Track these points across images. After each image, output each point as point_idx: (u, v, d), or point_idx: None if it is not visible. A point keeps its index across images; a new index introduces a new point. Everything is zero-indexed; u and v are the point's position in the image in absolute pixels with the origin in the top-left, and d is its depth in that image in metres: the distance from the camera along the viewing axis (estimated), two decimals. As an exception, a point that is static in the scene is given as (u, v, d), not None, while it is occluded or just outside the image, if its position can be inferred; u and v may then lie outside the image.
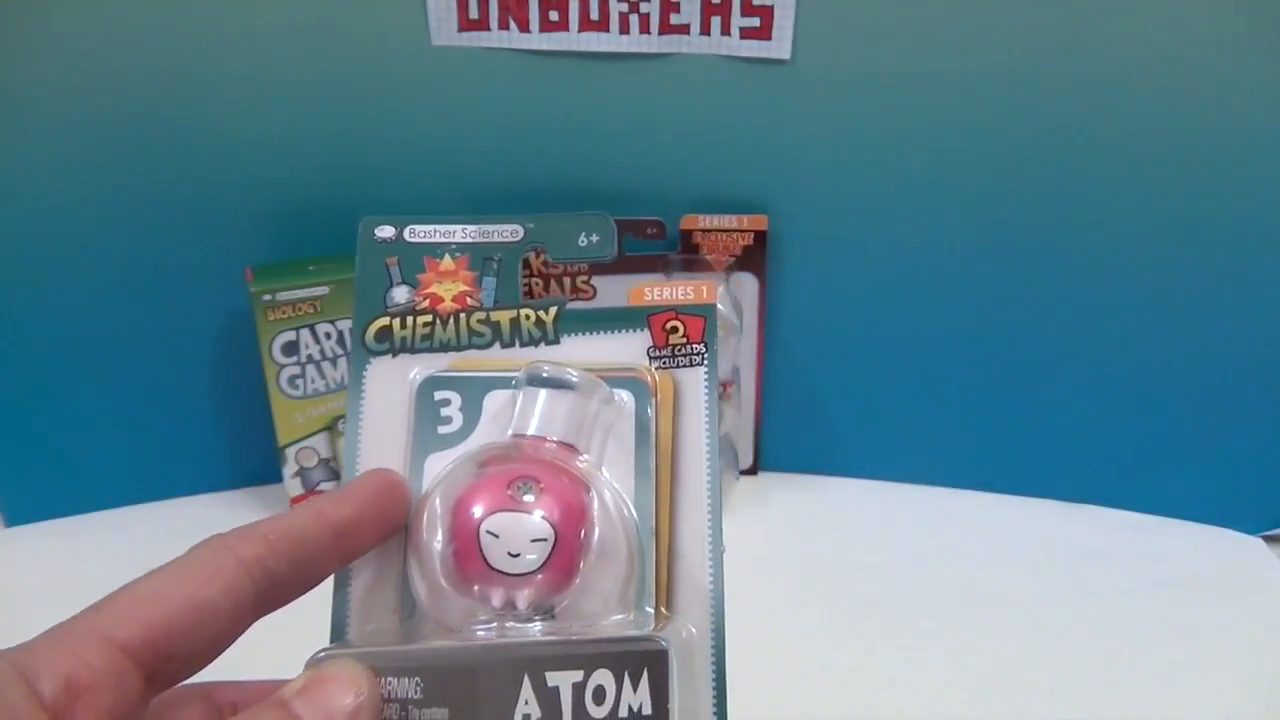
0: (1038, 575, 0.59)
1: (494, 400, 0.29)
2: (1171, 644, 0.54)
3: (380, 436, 0.29)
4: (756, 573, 0.57)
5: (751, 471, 0.68)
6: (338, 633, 0.27)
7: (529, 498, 0.26)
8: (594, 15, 0.56)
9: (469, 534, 0.26)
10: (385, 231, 0.31)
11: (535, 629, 0.26)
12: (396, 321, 0.30)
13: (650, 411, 0.29)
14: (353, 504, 0.26)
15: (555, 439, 0.28)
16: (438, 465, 0.28)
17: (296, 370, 0.60)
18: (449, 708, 0.23)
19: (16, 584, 0.59)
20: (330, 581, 0.27)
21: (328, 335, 0.60)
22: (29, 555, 0.62)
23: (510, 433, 0.28)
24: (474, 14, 0.56)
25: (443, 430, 0.29)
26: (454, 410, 0.29)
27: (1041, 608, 0.56)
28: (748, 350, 0.64)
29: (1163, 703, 0.50)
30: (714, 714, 0.26)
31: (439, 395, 0.29)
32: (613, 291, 0.60)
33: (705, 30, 0.56)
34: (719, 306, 0.35)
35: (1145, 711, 0.49)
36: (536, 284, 0.60)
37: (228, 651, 0.23)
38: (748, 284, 0.62)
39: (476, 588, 0.26)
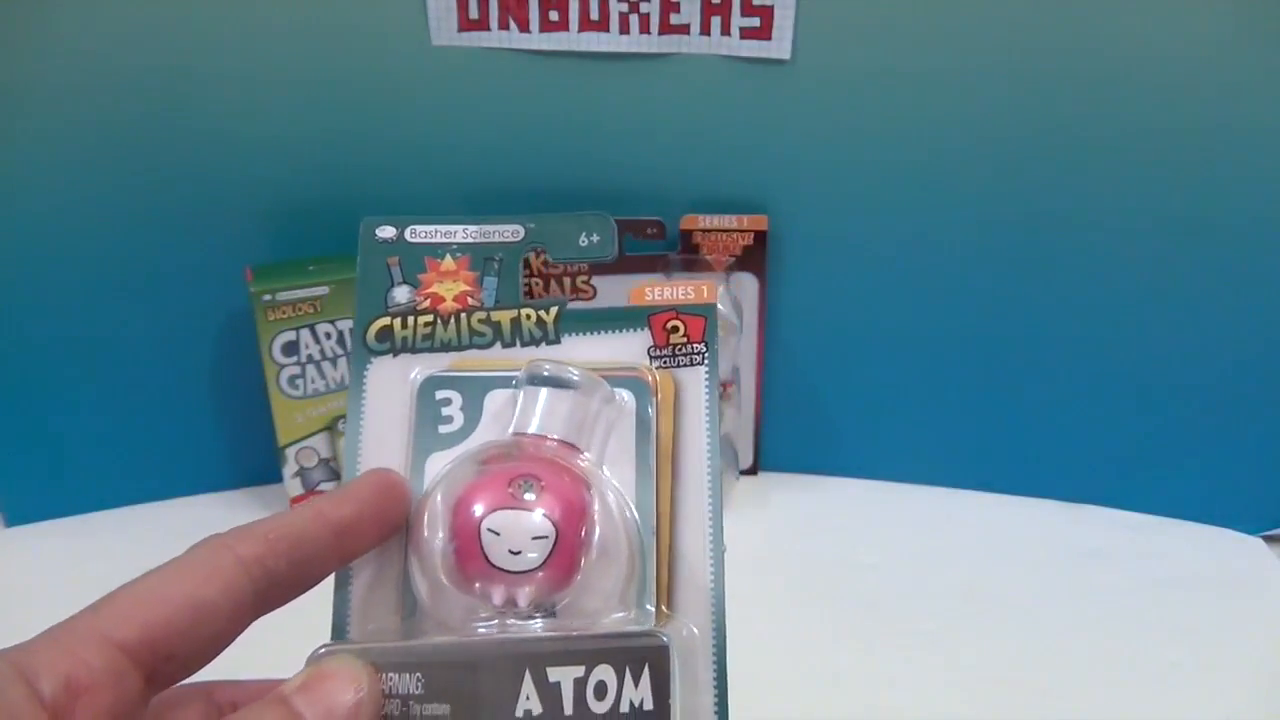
0: (1038, 575, 0.59)
1: (495, 400, 0.29)
2: (1171, 644, 0.54)
3: (381, 436, 0.29)
4: (756, 573, 0.57)
5: (751, 471, 0.68)
6: (339, 632, 0.27)
7: (530, 496, 0.26)
8: (594, 15, 0.56)
9: (470, 532, 0.26)
10: (386, 232, 0.31)
11: (536, 627, 0.26)
12: (398, 321, 0.30)
13: (651, 411, 0.29)
14: (352, 503, 0.26)
15: (556, 437, 0.28)
16: (439, 464, 0.28)
17: (296, 370, 0.60)
18: (450, 703, 0.23)
19: (16, 584, 0.59)
20: (330, 581, 0.27)
21: (328, 335, 0.60)
22: (29, 555, 0.62)
23: (511, 431, 0.28)
24: (474, 14, 0.56)
25: (444, 430, 0.29)
26: (455, 410, 0.29)
27: (1041, 608, 0.56)
28: (748, 350, 0.64)
29: (1163, 703, 0.50)
30: (715, 714, 0.26)
31: (440, 395, 0.29)
32: (612, 291, 0.60)
33: (705, 30, 0.56)
34: (719, 306, 0.35)
35: (1145, 711, 0.49)
36: (536, 284, 0.60)
37: (228, 651, 0.23)
38: (748, 284, 0.62)
39: (478, 585, 0.26)
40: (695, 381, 0.29)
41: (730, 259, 0.61)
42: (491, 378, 0.29)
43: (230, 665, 0.24)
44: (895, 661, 0.52)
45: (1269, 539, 0.63)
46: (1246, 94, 0.53)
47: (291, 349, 0.59)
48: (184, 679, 0.23)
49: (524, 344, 0.30)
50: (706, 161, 0.60)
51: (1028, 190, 0.57)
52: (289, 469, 0.62)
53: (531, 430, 0.28)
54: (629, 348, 0.30)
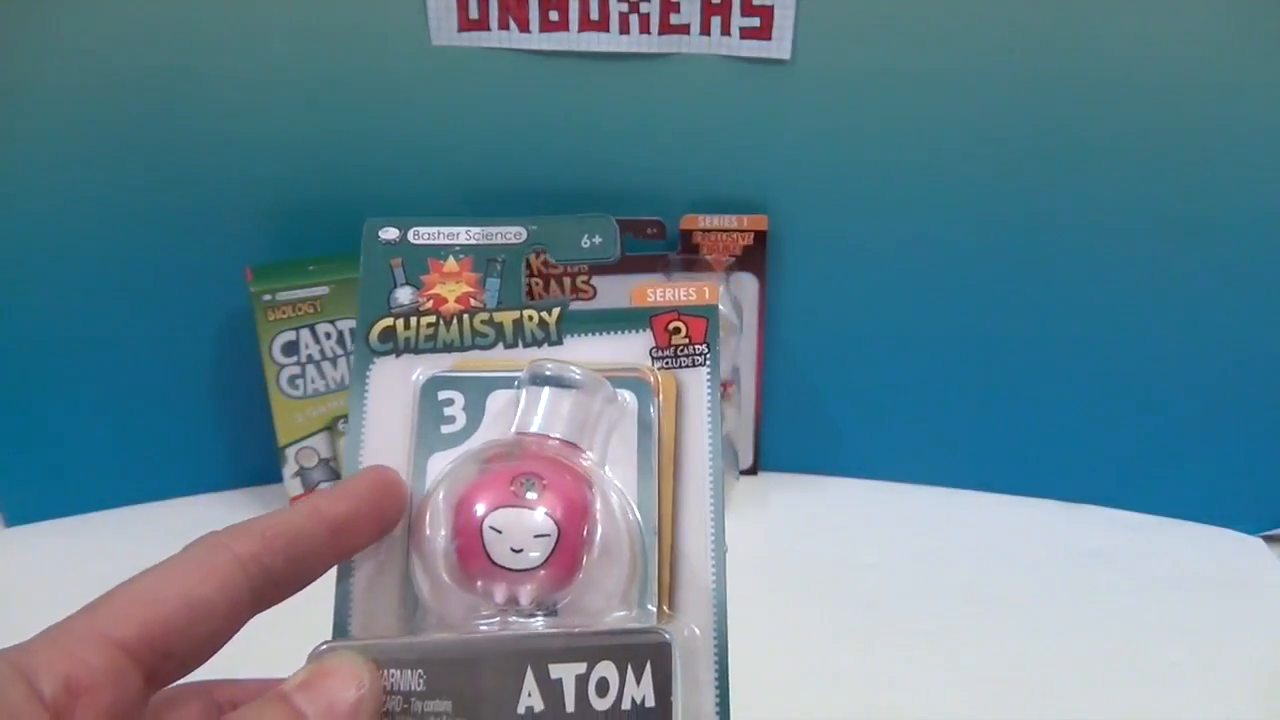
0: (1038, 575, 0.59)
1: (497, 400, 0.29)
2: (1171, 644, 0.54)
3: (383, 436, 0.29)
4: (756, 573, 0.57)
5: (751, 471, 0.68)
6: (340, 631, 0.27)
7: (532, 494, 0.26)
8: (594, 15, 0.56)
9: (472, 530, 0.26)
10: (390, 233, 0.31)
11: (538, 625, 0.26)
12: (400, 322, 0.30)
13: (653, 411, 0.29)
14: (349, 500, 0.26)
15: (558, 436, 0.28)
16: (441, 465, 0.28)
17: (296, 370, 0.60)
18: (451, 700, 0.23)
19: (16, 584, 0.59)
20: (330, 578, 0.27)
21: (328, 335, 0.60)
22: (29, 555, 0.62)
23: (513, 430, 0.28)
24: (474, 14, 0.56)
25: (446, 430, 0.29)
26: (457, 410, 0.29)
27: (1041, 608, 0.56)
28: (748, 350, 0.64)
29: (1163, 703, 0.50)
30: (717, 714, 0.26)
31: (442, 395, 0.29)
32: (613, 291, 0.60)
33: (705, 30, 0.56)
34: (719, 307, 0.35)
35: (1145, 711, 0.49)
36: (536, 284, 0.60)
37: (227, 649, 0.23)
38: (748, 284, 0.62)
39: (480, 583, 0.26)
40: (697, 382, 0.29)
41: (730, 259, 0.61)
42: (494, 378, 0.29)
43: (230, 663, 0.24)
44: (895, 661, 0.52)
45: (1269, 539, 0.63)
46: (1246, 94, 0.53)
47: (291, 349, 0.59)
48: (182, 677, 0.23)
49: (526, 345, 0.30)
50: (706, 161, 0.60)
51: (1028, 190, 0.57)
52: (289, 469, 0.62)
53: (534, 429, 0.28)
54: (631, 348, 0.30)
